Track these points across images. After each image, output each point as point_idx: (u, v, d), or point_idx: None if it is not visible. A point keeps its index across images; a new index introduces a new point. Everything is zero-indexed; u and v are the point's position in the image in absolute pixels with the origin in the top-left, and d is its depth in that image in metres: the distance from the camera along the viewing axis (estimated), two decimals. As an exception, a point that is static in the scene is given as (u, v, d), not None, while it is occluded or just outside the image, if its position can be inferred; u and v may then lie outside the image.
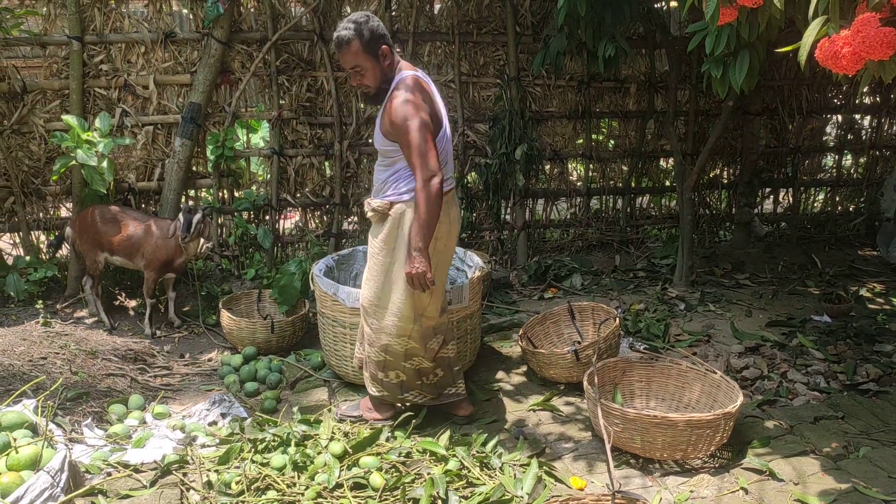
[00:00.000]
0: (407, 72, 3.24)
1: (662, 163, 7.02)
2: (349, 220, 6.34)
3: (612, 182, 6.87)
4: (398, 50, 5.98)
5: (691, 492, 3.19)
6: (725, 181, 7.10)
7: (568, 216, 6.89)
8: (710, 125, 6.68)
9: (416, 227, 3.10)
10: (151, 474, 3.30)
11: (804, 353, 4.61)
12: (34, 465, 2.37)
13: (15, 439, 2.48)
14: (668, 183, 6.98)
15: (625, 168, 6.84)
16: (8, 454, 2.38)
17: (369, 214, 3.44)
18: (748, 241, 6.98)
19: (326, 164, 6.16)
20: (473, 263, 4.38)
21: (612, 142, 6.88)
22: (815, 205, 7.51)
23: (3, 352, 4.08)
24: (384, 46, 3.17)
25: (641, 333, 4.98)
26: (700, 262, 6.52)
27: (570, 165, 6.86)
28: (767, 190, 7.23)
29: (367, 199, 3.46)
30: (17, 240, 5.69)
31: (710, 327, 5.11)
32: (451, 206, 3.44)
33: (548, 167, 6.63)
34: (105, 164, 4.89)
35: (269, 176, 6.07)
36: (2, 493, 2.21)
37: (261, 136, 7.10)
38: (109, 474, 3.31)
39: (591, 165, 6.74)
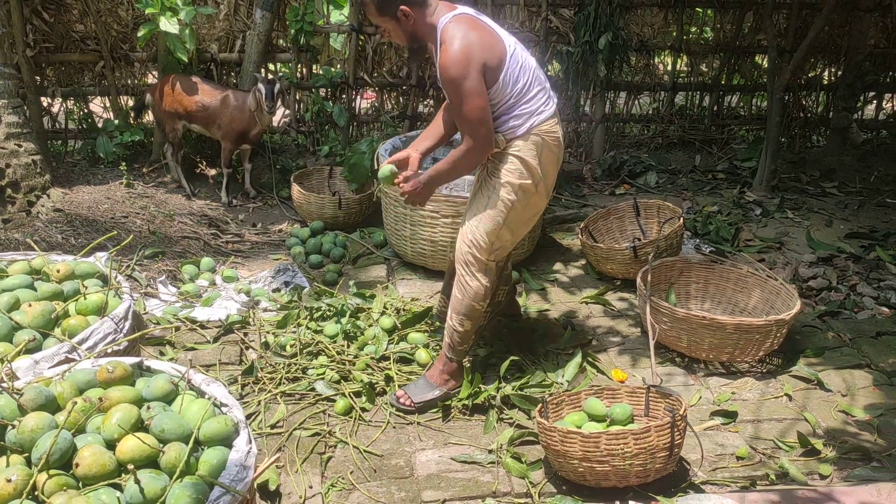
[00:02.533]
0: (447, 14, 2.67)
1: (758, 59, 6.62)
2: (425, 102, 6.30)
3: (700, 77, 6.55)
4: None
5: (733, 393, 3.19)
6: (825, 82, 6.66)
7: (650, 111, 6.66)
8: (816, 20, 6.20)
9: (439, 173, 2.87)
10: (215, 331, 3.55)
11: (880, 268, 4.43)
12: (100, 311, 2.57)
13: (86, 287, 2.68)
14: (761, 81, 6.60)
15: (716, 63, 6.49)
16: (77, 300, 2.59)
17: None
18: (843, 148, 6.60)
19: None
20: (539, 153, 4.32)
21: (708, 32, 6.50)
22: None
23: (89, 208, 4.36)
24: (403, 7, 2.64)
25: (710, 236, 4.87)
26: (787, 167, 6.23)
27: (656, 58, 6.56)
28: (870, 94, 6.75)
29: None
30: (108, 103, 5.93)
31: (784, 234, 4.95)
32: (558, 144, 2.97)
33: (633, 59, 6.36)
34: (187, 32, 4.97)
35: (347, 53, 6.05)
36: (69, 334, 2.42)
37: (342, 13, 7.02)
38: (178, 328, 3.57)
39: (679, 58, 6.43)
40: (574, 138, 6.41)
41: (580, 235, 4.31)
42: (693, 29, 6.50)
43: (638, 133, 6.68)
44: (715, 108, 6.63)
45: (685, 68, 6.56)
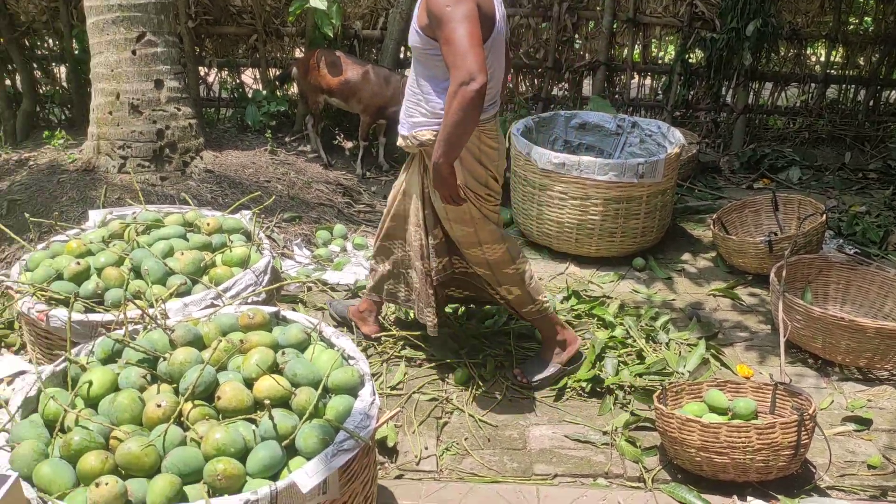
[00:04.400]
0: None
1: (925, 52, 6.13)
2: (560, 85, 6.26)
3: (856, 70, 6.15)
4: None
5: (869, 401, 3.02)
6: None
7: (798, 104, 6.31)
8: None
9: (441, 139, 2.40)
10: (344, 294, 3.70)
11: None
12: (243, 263, 2.75)
13: (231, 241, 2.88)
14: (926, 76, 6.13)
15: (875, 56, 6.07)
16: (223, 252, 2.78)
17: (409, 147, 2.73)
18: None
19: (543, 25, 6.06)
20: (675, 140, 4.22)
21: (868, 22, 6.09)
22: None
23: (236, 171, 4.63)
24: None
25: (855, 237, 4.59)
26: (950, 170, 5.77)
27: (809, 48, 6.20)
28: None
29: (408, 133, 2.70)
30: (258, 75, 6.25)
31: (939, 241, 4.60)
32: (499, 128, 2.77)
33: (783, 48, 6.05)
34: (334, 8, 5.16)
35: (485, 34, 6.08)
36: (215, 282, 2.61)
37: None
38: (310, 288, 3.76)
39: (835, 49, 6.06)
40: (713, 128, 6.18)
41: (712, 227, 4.18)
42: (852, 18, 6.10)
43: (782, 126, 6.36)
44: (871, 103, 6.20)
45: (840, 60, 6.17)
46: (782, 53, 6.08)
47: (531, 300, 2.98)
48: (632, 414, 2.86)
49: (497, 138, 2.75)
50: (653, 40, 6.16)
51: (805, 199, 4.20)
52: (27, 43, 5.91)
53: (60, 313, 2.41)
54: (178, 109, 4.46)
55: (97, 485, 1.63)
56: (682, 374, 3.14)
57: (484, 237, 2.82)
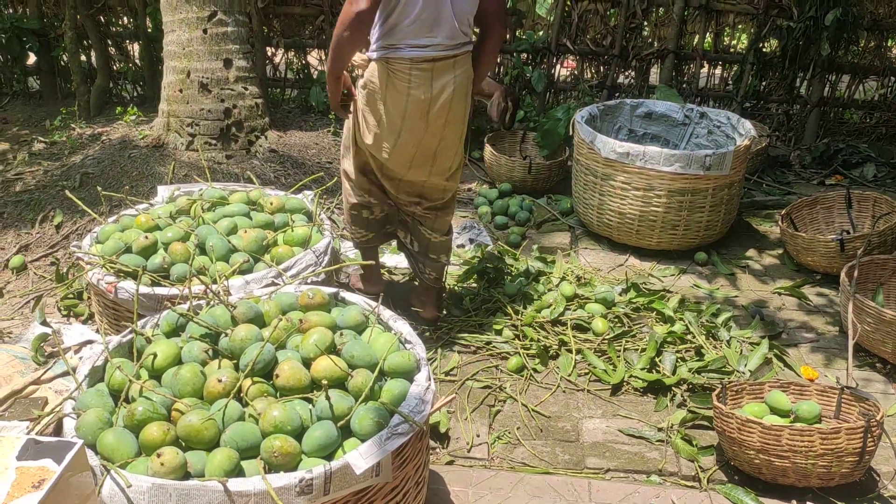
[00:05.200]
0: None
1: None
2: (626, 73, 6.14)
3: (942, 64, 5.88)
4: None
5: (940, 410, 2.91)
6: None
7: (876, 97, 6.06)
8: None
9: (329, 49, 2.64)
10: (401, 277, 3.72)
11: None
12: (304, 243, 2.79)
13: (293, 220, 2.91)
14: None
15: (964, 49, 5.80)
16: (285, 231, 2.82)
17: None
18: None
19: (611, 11, 5.94)
20: (745, 131, 4.10)
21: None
22: None
23: (299, 151, 4.69)
24: None
25: (932, 239, 4.40)
26: None
27: (890, 39, 5.94)
28: None
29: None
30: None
31: None
32: (430, 80, 2.68)
33: (862, 39, 5.81)
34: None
35: (552, 18, 6.01)
36: (276, 261, 2.65)
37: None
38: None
39: (919, 41, 5.81)
40: (784, 121, 5.99)
41: (780, 223, 4.05)
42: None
43: (858, 121, 6.12)
44: (955, 99, 5.93)
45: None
46: (862, 45, 5.84)
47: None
48: (689, 411, 2.81)
49: (412, 87, 2.68)
50: (725, 28, 5.99)
51: (881, 196, 4.04)
52: (102, 20, 6.07)
53: (128, 285, 2.48)
54: (246, 89, 4.52)
55: (158, 455, 1.67)
56: (743, 373, 3.06)
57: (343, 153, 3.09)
